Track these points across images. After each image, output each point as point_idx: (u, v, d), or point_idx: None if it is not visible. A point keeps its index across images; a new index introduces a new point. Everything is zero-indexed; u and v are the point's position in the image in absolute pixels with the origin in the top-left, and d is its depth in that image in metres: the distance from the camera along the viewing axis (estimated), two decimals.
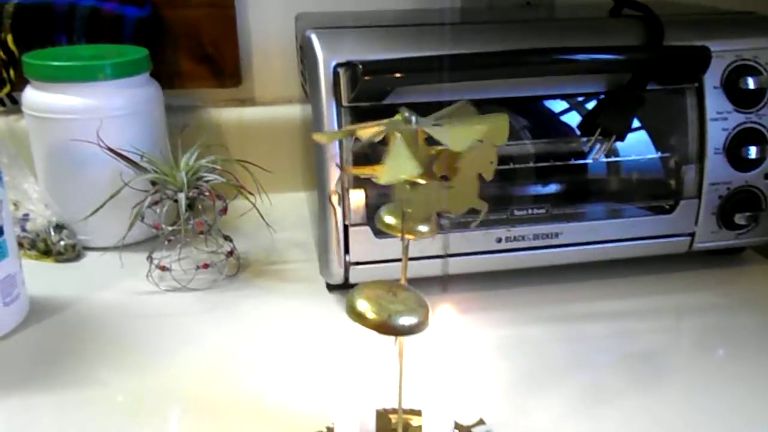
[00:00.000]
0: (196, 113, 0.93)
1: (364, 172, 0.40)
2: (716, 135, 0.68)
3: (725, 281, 0.72)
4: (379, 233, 0.66)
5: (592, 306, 0.68)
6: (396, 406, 0.49)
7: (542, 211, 0.68)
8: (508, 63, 0.62)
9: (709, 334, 0.64)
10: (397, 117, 0.39)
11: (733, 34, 0.69)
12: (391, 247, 0.66)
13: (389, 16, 0.85)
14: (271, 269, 0.78)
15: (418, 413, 0.48)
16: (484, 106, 0.42)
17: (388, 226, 0.45)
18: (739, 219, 0.70)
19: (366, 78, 0.60)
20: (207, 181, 0.73)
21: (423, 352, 0.41)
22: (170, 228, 0.73)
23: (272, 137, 0.93)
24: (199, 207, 0.73)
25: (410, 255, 0.66)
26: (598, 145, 0.67)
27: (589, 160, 0.69)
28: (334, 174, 0.64)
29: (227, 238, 0.77)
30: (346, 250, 0.66)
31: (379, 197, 0.65)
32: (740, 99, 0.68)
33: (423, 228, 0.44)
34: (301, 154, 0.92)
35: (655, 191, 0.71)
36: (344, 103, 0.63)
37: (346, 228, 0.65)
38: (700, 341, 0.63)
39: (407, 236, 0.45)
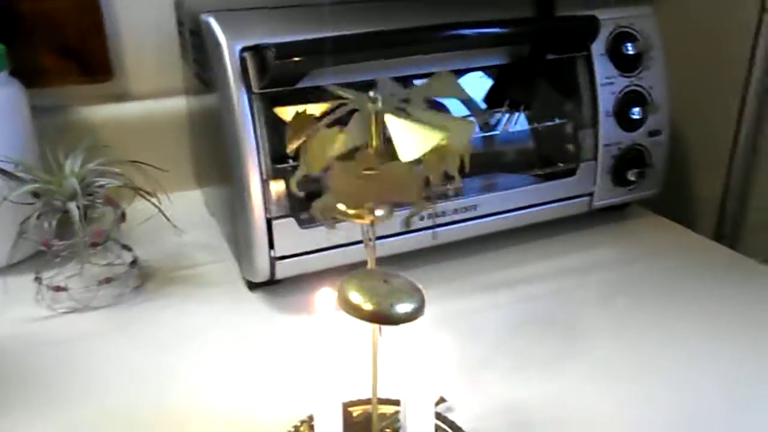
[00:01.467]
0: (67, 113, 0.83)
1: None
2: (606, 99, 0.73)
3: (622, 235, 0.78)
4: (304, 223, 0.63)
5: (513, 273, 0.70)
6: (359, 398, 0.48)
7: (458, 184, 0.69)
8: (423, 39, 0.62)
9: (621, 285, 0.69)
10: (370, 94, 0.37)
11: (611, 4, 0.73)
12: (316, 237, 0.64)
13: None
14: (181, 275, 0.72)
15: (391, 402, 0.47)
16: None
17: (344, 213, 0.43)
18: (630, 176, 0.76)
19: (280, 61, 0.57)
20: (100, 187, 0.66)
21: (364, 339, 0.40)
22: (62, 243, 0.65)
23: (154, 133, 0.86)
24: (93, 216, 0.66)
25: (340, 241, 0.65)
26: (506, 117, 0.69)
27: (497, 132, 0.71)
28: (252, 164, 0.60)
29: (126, 248, 0.70)
30: (271, 245, 0.63)
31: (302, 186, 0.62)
32: (623, 64, 0.73)
33: (380, 212, 0.43)
34: (193, 149, 0.86)
35: (557, 157, 0.75)
36: (255, 89, 0.60)
37: (268, 221, 0.62)
38: (612, 292, 0.68)
39: (361, 221, 0.43)
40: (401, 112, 0.36)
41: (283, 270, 0.64)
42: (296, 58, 0.58)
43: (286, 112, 0.39)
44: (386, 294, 0.34)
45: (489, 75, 0.70)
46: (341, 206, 0.43)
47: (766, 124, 0.83)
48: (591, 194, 0.75)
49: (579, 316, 0.64)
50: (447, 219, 0.69)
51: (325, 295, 0.43)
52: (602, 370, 0.56)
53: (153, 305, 0.66)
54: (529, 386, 0.54)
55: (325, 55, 0.58)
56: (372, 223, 0.42)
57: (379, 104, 0.37)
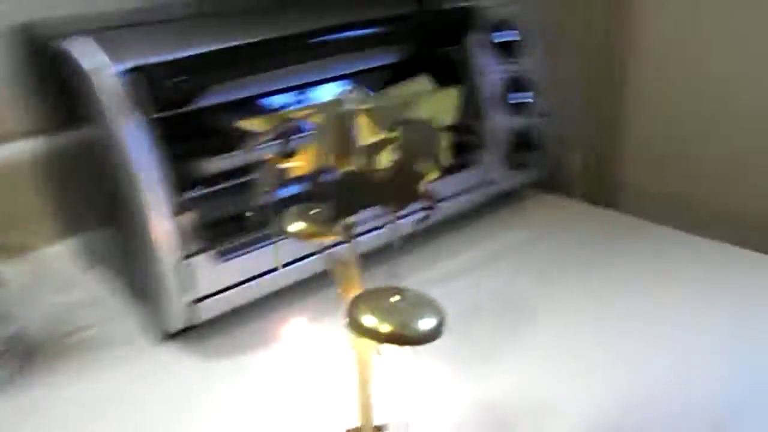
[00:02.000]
0: None
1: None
2: (491, 87, 0.74)
3: (524, 217, 0.80)
4: (224, 255, 0.57)
5: (441, 267, 0.69)
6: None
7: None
8: (319, 44, 0.59)
9: (540, 264, 0.70)
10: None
11: None
12: (238, 268, 0.58)
13: (132, 16, 0.73)
14: (74, 342, 0.62)
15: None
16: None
17: (303, 233, 0.39)
18: (523, 159, 0.78)
19: (175, 81, 0.51)
20: None
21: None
22: None
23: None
24: None
25: (265, 268, 0.59)
26: None
27: None
28: (156, 200, 0.53)
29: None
30: (190, 286, 0.56)
31: (216, 210, 0.56)
32: (502, 51, 0.75)
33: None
34: (58, 195, 0.74)
35: (461, 148, 0.75)
36: (147, 115, 0.53)
37: (185, 260, 0.55)
38: (526, 272, 0.69)
39: (316, 239, 0.40)
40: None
41: (207, 311, 0.58)
42: (192, 76, 0.52)
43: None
44: (403, 311, 0.31)
45: (382, 75, 0.69)
46: (296, 226, 0.39)
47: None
48: (493, 181, 0.77)
49: (510, 300, 0.64)
50: (370, 225, 0.66)
51: (296, 327, 0.39)
52: (549, 350, 0.56)
53: (50, 384, 0.56)
54: (475, 376, 0.53)
55: (224, 68, 0.53)
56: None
57: (347, 103, 0.33)
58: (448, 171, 0.70)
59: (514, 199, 0.83)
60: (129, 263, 0.58)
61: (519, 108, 0.77)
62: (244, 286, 0.58)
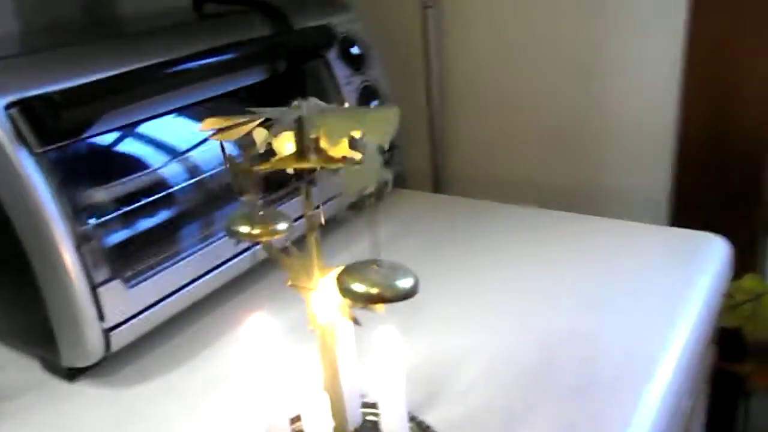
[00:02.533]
0: None
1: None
2: (350, 97, 0.81)
3: (388, 213, 0.88)
4: (130, 281, 0.57)
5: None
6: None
7: (260, 202, 0.70)
8: (214, 65, 0.61)
9: (415, 251, 0.78)
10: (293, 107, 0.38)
11: (327, 12, 0.82)
12: (146, 292, 0.59)
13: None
14: None
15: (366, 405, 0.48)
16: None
17: (247, 235, 0.43)
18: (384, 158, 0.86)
19: (70, 110, 0.51)
20: None
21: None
22: None
23: None
24: None
25: (171, 289, 0.60)
26: None
27: None
28: (58, 233, 0.52)
29: None
30: (101, 316, 0.55)
31: (119, 237, 0.56)
32: (353, 64, 0.82)
33: (281, 226, 0.44)
34: None
35: None
36: (38, 149, 0.52)
37: (93, 290, 0.55)
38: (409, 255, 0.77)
39: (263, 239, 0.44)
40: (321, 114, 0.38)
41: (118, 340, 0.57)
42: (87, 104, 0.52)
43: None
44: (385, 276, 0.36)
45: (251, 94, 0.72)
46: (244, 228, 0.43)
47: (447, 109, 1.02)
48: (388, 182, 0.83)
49: None
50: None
51: (258, 320, 0.43)
52: (451, 318, 0.64)
53: None
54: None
55: (120, 94, 0.54)
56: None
57: (304, 110, 0.38)
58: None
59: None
60: (26, 304, 0.56)
61: None
62: (150, 311, 0.59)
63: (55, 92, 0.51)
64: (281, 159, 0.38)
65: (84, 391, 0.58)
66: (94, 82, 0.54)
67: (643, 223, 0.78)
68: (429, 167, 1.06)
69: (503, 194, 0.99)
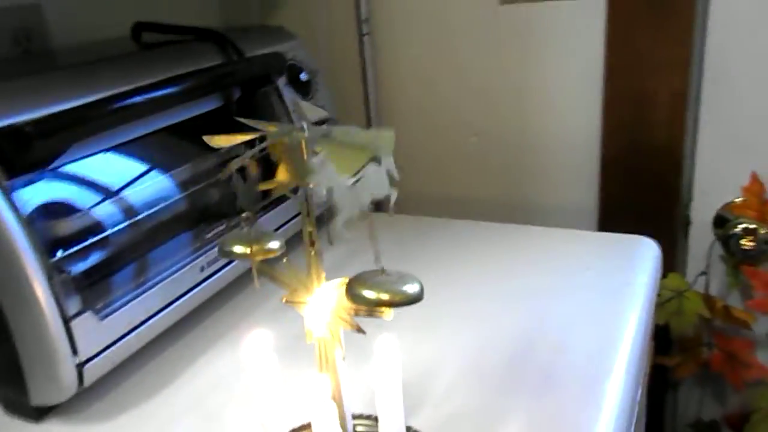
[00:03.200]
0: None
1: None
2: (300, 121, 0.83)
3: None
4: (100, 312, 0.56)
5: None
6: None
7: (222, 226, 0.70)
8: (180, 92, 0.61)
9: None
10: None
11: (274, 39, 0.84)
12: (118, 323, 0.58)
13: None
14: None
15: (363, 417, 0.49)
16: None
17: (241, 254, 0.45)
18: None
19: (43, 140, 0.50)
20: None
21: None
22: None
23: None
24: None
25: (142, 318, 0.60)
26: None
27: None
28: (30, 267, 0.51)
29: None
30: (74, 350, 0.54)
31: (89, 262, 0.56)
32: (301, 90, 0.84)
33: (274, 245, 0.46)
34: None
35: None
36: (3, 182, 0.51)
37: (66, 324, 0.53)
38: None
39: (257, 257, 0.45)
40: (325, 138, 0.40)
41: (91, 374, 0.56)
42: (57, 134, 0.52)
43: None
44: (393, 282, 0.38)
45: (208, 121, 0.73)
46: (239, 249, 0.44)
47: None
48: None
49: None
50: (222, 262, 0.69)
51: (259, 337, 0.44)
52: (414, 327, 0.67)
53: None
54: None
55: (87, 124, 0.54)
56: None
57: (306, 133, 0.40)
58: (274, 204, 0.77)
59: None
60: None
61: None
62: (122, 341, 0.58)
63: (25, 123, 0.51)
64: (283, 177, 0.40)
65: (52, 429, 0.56)
66: (62, 112, 0.53)
67: (580, 230, 0.84)
68: None
69: (442, 211, 1.04)
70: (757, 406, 0.96)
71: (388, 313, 0.39)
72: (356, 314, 0.41)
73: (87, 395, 0.58)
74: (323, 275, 0.43)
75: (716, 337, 0.98)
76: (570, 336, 0.63)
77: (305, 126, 0.40)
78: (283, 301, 0.45)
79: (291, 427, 0.49)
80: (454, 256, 0.80)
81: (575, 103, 0.95)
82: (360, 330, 0.41)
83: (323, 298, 0.43)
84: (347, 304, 0.40)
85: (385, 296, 0.37)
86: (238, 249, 0.44)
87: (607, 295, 0.69)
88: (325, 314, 0.42)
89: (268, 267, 0.45)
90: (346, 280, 0.40)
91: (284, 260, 0.44)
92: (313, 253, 0.43)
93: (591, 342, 0.62)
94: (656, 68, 0.89)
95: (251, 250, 0.44)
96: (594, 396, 0.55)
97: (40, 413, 0.57)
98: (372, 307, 0.38)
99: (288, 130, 0.40)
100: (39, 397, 0.55)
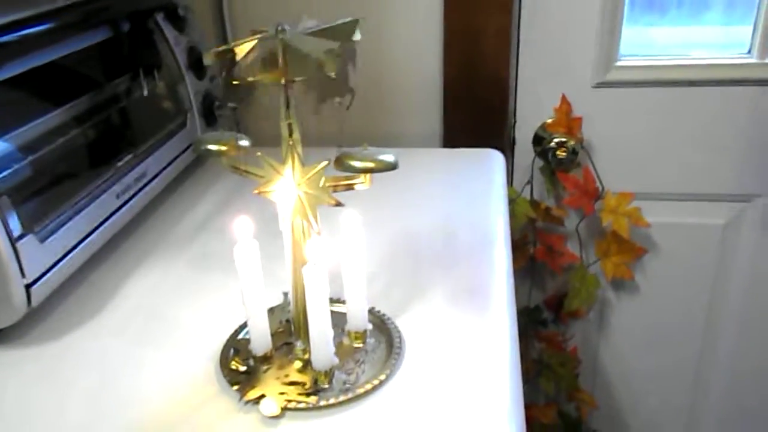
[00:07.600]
0: None
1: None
2: (181, 58, 0.85)
3: None
4: (41, 233, 0.57)
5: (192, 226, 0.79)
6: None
7: (130, 155, 0.72)
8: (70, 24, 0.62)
9: None
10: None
11: None
12: (56, 246, 0.59)
13: None
14: None
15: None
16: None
17: (216, 152, 0.50)
18: (215, 115, 0.92)
19: None
20: None
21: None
22: None
23: None
24: None
25: (80, 236, 0.61)
26: (144, 83, 0.74)
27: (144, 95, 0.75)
28: None
29: None
30: (22, 272, 0.55)
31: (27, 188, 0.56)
32: (178, 25, 0.86)
33: (244, 143, 0.51)
34: None
35: (170, 114, 0.84)
36: None
37: (13, 245, 0.54)
38: None
39: (231, 153, 0.51)
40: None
41: (38, 295, 0.57)
42: None
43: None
44: (374, 154, 0.47)
45: (101, 52, 0.73)
46: (213, 147, 0.50)
47: None
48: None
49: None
50: (135, 189, 0.71)
51: (244, 222, 0.50)
52: None
53: None
54: None
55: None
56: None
57: (287, 34, 0.46)
58: (160, 142, 0.80)
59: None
60: None
61: (201, 73, 0.89)
62: (65, 259, 0.59)
63: None
64: (268, 72, 0.46)
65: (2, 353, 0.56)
66: None
67: (445, 149, 0.98)
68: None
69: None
70: (571, 286, 1.20)
71: (368, 180, 0.48)
72: (335, 190, 0.49)
73: (32, 318, 0.59)
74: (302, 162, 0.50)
75: (539, 235, 1.20)
76: (461, 225, 0.76)
77: (286, 27, 0.46)
78: (256, 192, 0.51)
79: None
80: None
81: (418, 38, 1.07)
82: (339, 203, 0.49)
83: (290, 189, 0.49)
84: (327, 183, 0.48)
85: (370, 164, 0.46)
86: (213, 147, 0.49)
87: (478, 194, 0.83)
88: (303, 195, 0.49)
89: (240, 162, 0.51)
90: (325, 162, 0.48)
91: (258, 154, 0.50)
92: (291, 142, 0.49)
93: (476, 226, 0.75)
94: (485, 7, 1.04)
95: (225, 147, 0.49)
96: (488, 260, 0.69)
97: None
98: (358, 175, 0.46)
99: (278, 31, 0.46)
100: None
